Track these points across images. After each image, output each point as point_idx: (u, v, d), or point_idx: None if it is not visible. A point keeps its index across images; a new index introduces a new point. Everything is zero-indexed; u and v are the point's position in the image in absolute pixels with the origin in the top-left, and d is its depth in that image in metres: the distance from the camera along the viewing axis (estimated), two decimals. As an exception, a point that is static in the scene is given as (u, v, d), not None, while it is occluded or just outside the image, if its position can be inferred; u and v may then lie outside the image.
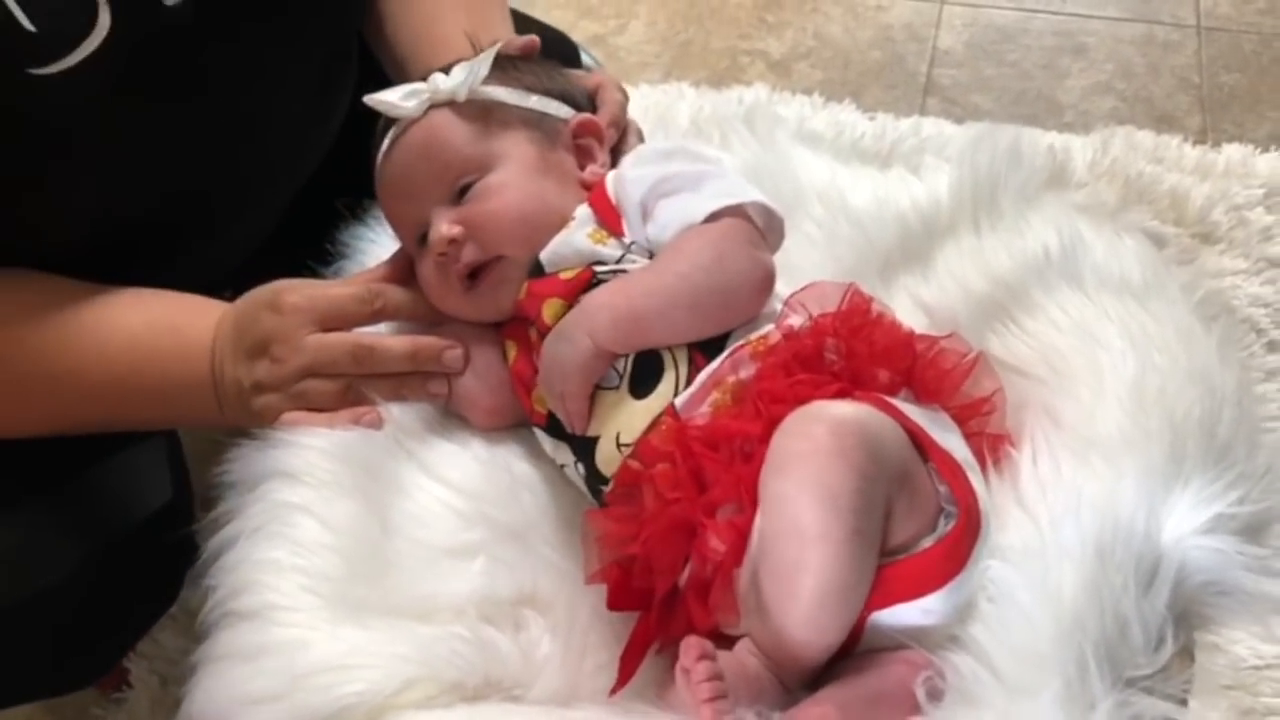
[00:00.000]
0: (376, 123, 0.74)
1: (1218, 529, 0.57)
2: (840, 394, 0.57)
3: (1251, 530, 0.58)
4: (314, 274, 0.85)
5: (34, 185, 0.68)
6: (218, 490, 0.74)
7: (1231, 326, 0.73)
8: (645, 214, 0.65)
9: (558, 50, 1.02)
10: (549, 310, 0.64)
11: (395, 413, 0.69)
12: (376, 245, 0.81)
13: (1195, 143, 1.62)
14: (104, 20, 0.65)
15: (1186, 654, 0.58)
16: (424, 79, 0.69)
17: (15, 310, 0.71)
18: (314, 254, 0.87)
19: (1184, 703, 0.56)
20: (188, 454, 0.94)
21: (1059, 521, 0.57)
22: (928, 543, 0.55)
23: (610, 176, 0.69)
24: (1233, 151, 1.59)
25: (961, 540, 0.55)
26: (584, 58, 1.06)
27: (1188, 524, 0.57)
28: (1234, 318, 1.37)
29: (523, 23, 0.96)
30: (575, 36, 1.88)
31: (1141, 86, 1.78)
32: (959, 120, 1.68)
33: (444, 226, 0.66)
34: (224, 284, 0.90)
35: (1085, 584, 0.54)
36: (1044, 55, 1.85)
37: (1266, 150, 1.59)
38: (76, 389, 0.72)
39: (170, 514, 0.83)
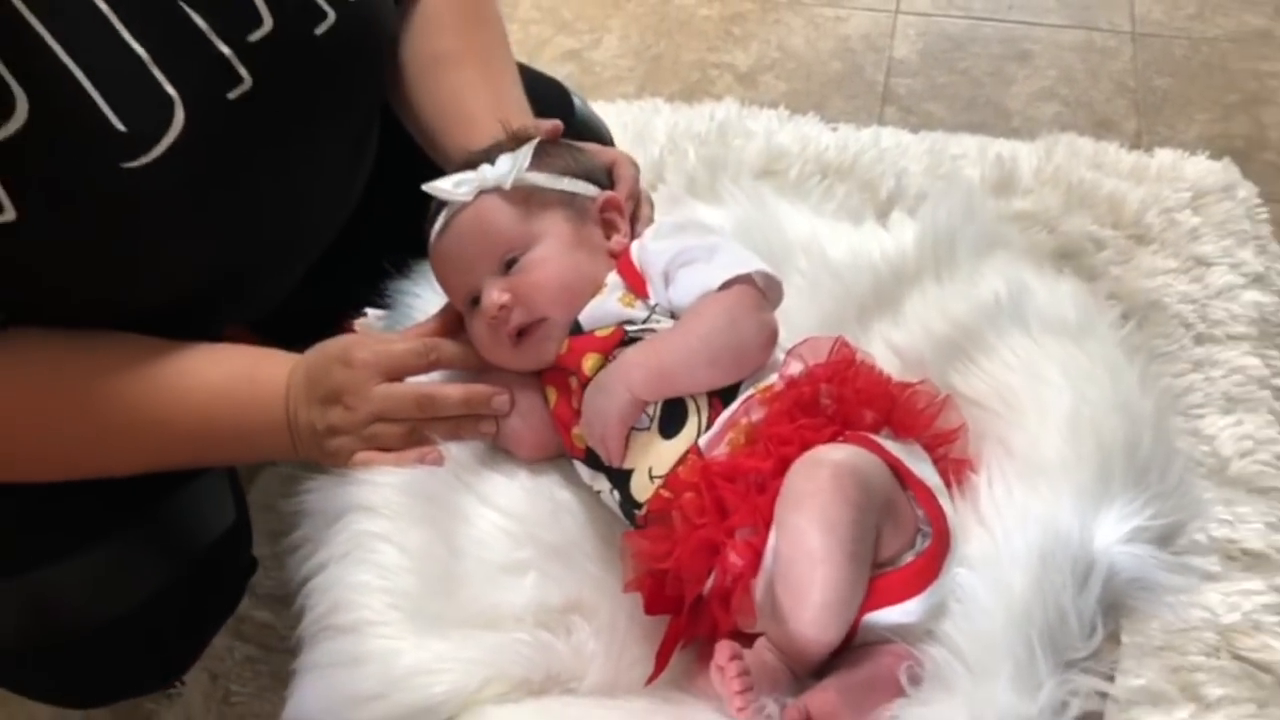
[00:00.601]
0: (406, 185, 0.85)
1: (1138, 538, 0.68)
2: (834, 435, 0.70)
3: (1164, 538, 0.70)
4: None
5: (124, 264, 0.78)
6: (293, 519, 0.85)
7: (1150, 361, 0.84)
8: (667, 281, 0.77)
9: (554, 97, 1.13)
10: (588, 363, 0.76)
11: (453, 450, 0.80)
12: (419, 299, 0.92)
13: (1131, 146, 1.75)
14: (179, 117, 0.74)
15: (1114, 639, 0.71)
16: (472, 166, 0.80)
17: (108, 366, 0.80)
18: (372, 299, 0.99)
19: (1111, 679, 0.69)
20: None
21: (1010, 534, 0.68)
22: (909, 558, 0.68)
23: (634, 246, 0.80)
24: (1164, 156, 1.73)
25: (936, 555, 0.68)
26: (575, 101, 1.16)
27: (1114, 534, 0.68)
28: (1163, 314, 1.51)
29: (522, 72, 1.04)
30: (551, 51, 2.00)
31: (1082, 91, 1.90)
32: (915, 129, 1.80)
33: (495, 294, 0.77)
34: (275, 323, 1.01)
35: (1032, 584, 0.66)
36: (992, 63, 1.96)
37: (1194, 153, 1.73)
38: (164, 435, 0.82)
39: (233, 535, 0.94)
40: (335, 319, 1.28)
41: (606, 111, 1.78)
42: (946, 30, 2.02)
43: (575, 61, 1.99)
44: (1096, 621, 0.67)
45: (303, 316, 1.03)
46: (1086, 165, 1.70)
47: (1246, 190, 1.66)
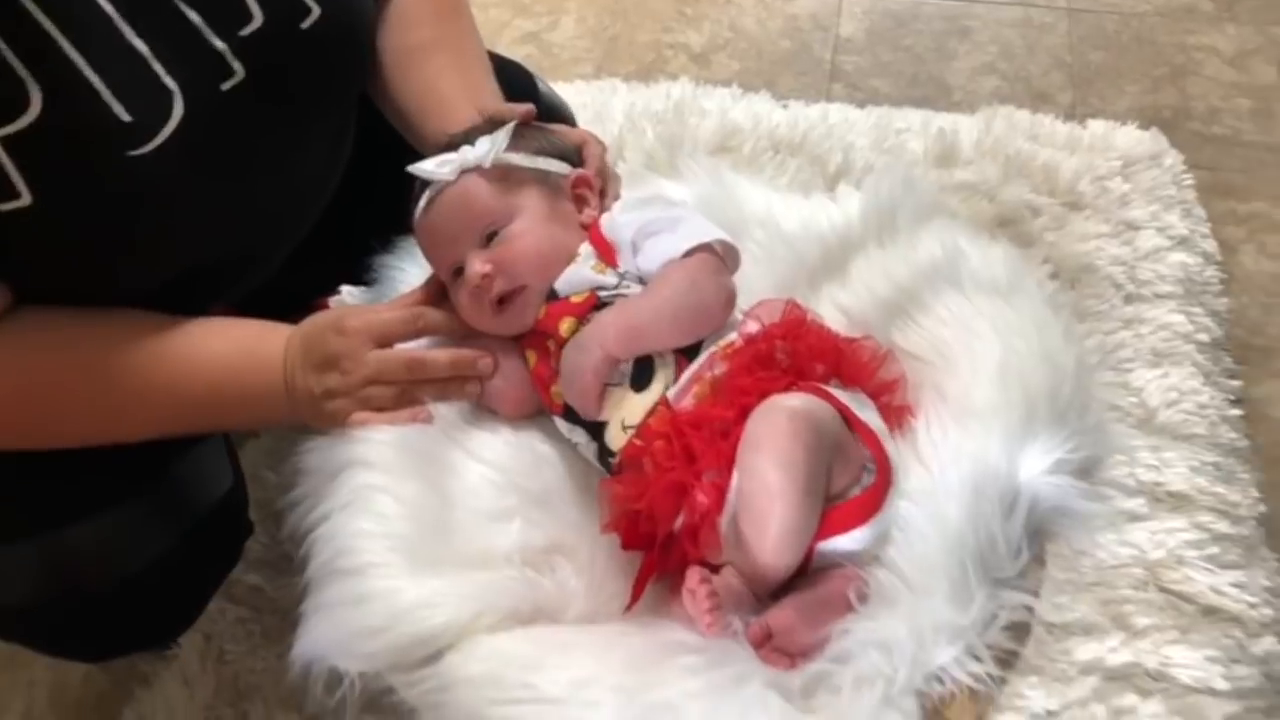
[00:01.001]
0: (386, 168, 0.91)
1: (1058, 470, 0.77)
2: (789, 386, 0.77)
3: (1082, 470, 0.78)
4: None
5: (129, 245, 0.83)
6: (293, 477, 0.92)
7: (1070, 319, 0.92)
8: (635, 250, 0.84)
9: (520, 81, 1.19)
10: (565, 326, 0.84)
11: (442, 410, 0.87)
12: (403, 272, 0.99)
13: (1066, 117, 1.83)
14: (178, 107, 0.80)
15: (1039, 561, 0.79)
16: (453, 148, 0.87)
17: (119, 340, 0.86)
18: (349, 275, 1.05)
19: (1036, 594, 0.78)
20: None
21: (946, 470, 0.76)
22: (855, 492, 0.75)
23: (604, 219, 0.88)
24: (1096, 127, 1.81)
25: (879, 490, 0.76)
26: (539, 85, 1.23)
27: (1037, 467, 0.76)
28: (1095, 276, 1.60)
29: (490, 58, 1.10)
30: (510, 34, 2.06)
31: (1020, 66, 1.98)
32: (861, 105, 1.87)
33: (478, 265, 0.84)
34: (259, 299, 1.07)
35: (965, 513, 0.74)
36: (934, 39, 2.03)
37: (1124, 124, 1.81)
38: (173, 403, 0.87)
39: (231, 498, 1.01)
40: (312, 298, 1.35)
41: (566, 92, 1.84)
42: (890, 8, 2.09)
43: (534, 43, 2.05)
44: (1022, 545, 0.76)
45: (281, 295, 1.09)
46: (1023, 137, 1.77)
47: (1173, 158, 1.75)
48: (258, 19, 0.83)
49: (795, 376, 0.79)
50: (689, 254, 0.83)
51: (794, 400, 0.75)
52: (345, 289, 1.46)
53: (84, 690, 1.30)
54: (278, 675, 1.26)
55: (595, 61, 2.01)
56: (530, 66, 1.71)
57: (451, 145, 0.87)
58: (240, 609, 1.30)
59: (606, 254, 0.85)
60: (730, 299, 0.83)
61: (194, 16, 0.80)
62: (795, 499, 0.71)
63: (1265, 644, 1.25)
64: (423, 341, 0.89)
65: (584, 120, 1.75)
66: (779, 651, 0.72)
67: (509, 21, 2.08)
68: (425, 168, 0.85)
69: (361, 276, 1.28)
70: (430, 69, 1.00)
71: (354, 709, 1.18)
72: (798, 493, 0.71)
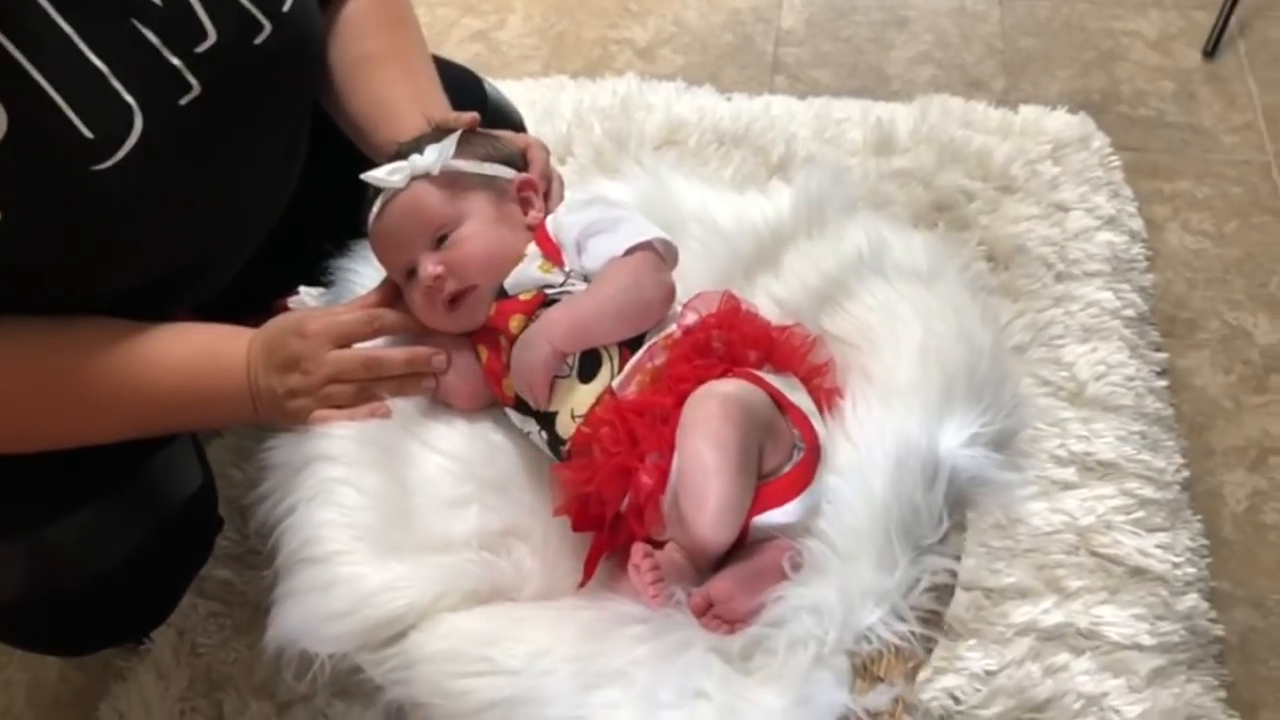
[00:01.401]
0: (338, 174, 0.95)
1: (975, 443, 0.81)
2: (724, 373, 0.83)
3: (997, 443, 0.83)
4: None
5: (94, 256, 0.86)
6: (260, 473, 0.96)
7: (989, 302, 0.97)
8: (579, 249, 0.89)
9: (469, 86, 1.24)
10: (514, 323, 0.89)
11: (400, 404, 0.92)
12: (359, 274, 1.03)
13: (1000, 103, 1.89)
14: (138, 122, 0.83)
15: (959, 527, 0.84)
16: (403, 156, 0.91)
17: (89, 347, 0.89)
18: (305, 278, 1.09)
19: (958, 558, 0.83)
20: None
21: (871, 446, 0.80)
22: (787, 469, 0.80)
23: (549, 220, 0.92)
24: (1028, 112, 1.87)
25: (808, 466, 0.81)
26: (488, 89, 1.27)
27: (955, 441, 0.81)
28: (1027, 257, 1.67)
29: (439, 63, 1.13)
30: (459, 33, 2.10)
31: (955, 54, 2.04)
32: (803, 96, 1.93)
33: (430, 267, 0.89)
34: (218, 303, 1.11)
35: (889, 486, 0.78)
36: (873, 30, 2.09)
37: (1055, 108, 1.88)
38: (142, 406, 0.91)
39: (201, 495, 1.05)
40: (270, 299, 1.40)
41: (514, 90, 1.88)
42: (830, 0, 2.15)
43: (482, 42, 2.08)
44: (943, 514, 0.80)
45: (241, 296, 1.14)
46: (958, 124, 1.84)
47: (1100, 141, 1.82)
48: (212, 36, 0.87)
49: (730, 363, 0.84)
50: (630, 252, 0.88)
51: (726, 385, 0.80)
52: (303, 289, 1.51)
53: (60, 687, 1.34)
54: (250, 665, 1.31)
55: (543, 59, 2.05)
56: (478, 65, 1.75)
57: (401, 154, 0.92)
58: (211, 603, 1.35)
59: (552, 254, 0.90)
60: (670, 294, 0.89)
61: (150, 35, 0.84)
62: (730, 477, 0.76)
63: (1188, 601, 1.32)
64: (379, 341, 0.94)
65: (533, 117, 1.80)
66: (719, 619, 0.77)
67: (457, 20, 2.11)
68: (377, 175, 0.90)
69: (317, 278, 1.32)
70: (379, 79, 1.04)
71: (325, 692, 1.23)
72: (732, 471, 0.76)
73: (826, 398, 0.88)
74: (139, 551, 0.97)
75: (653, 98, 1.88)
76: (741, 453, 0.77)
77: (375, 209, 0.91)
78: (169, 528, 1.01)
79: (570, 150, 1.80)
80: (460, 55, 2.03)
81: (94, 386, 0.90)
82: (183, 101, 0.87)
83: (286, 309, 1.48)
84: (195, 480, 1.04)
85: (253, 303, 1.33)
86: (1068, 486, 1.42)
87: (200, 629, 1.34)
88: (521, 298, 0.89)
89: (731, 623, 0.77)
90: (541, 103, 1.86)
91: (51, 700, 1.33)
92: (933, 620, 0.81)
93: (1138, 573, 1.34)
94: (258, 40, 0.90)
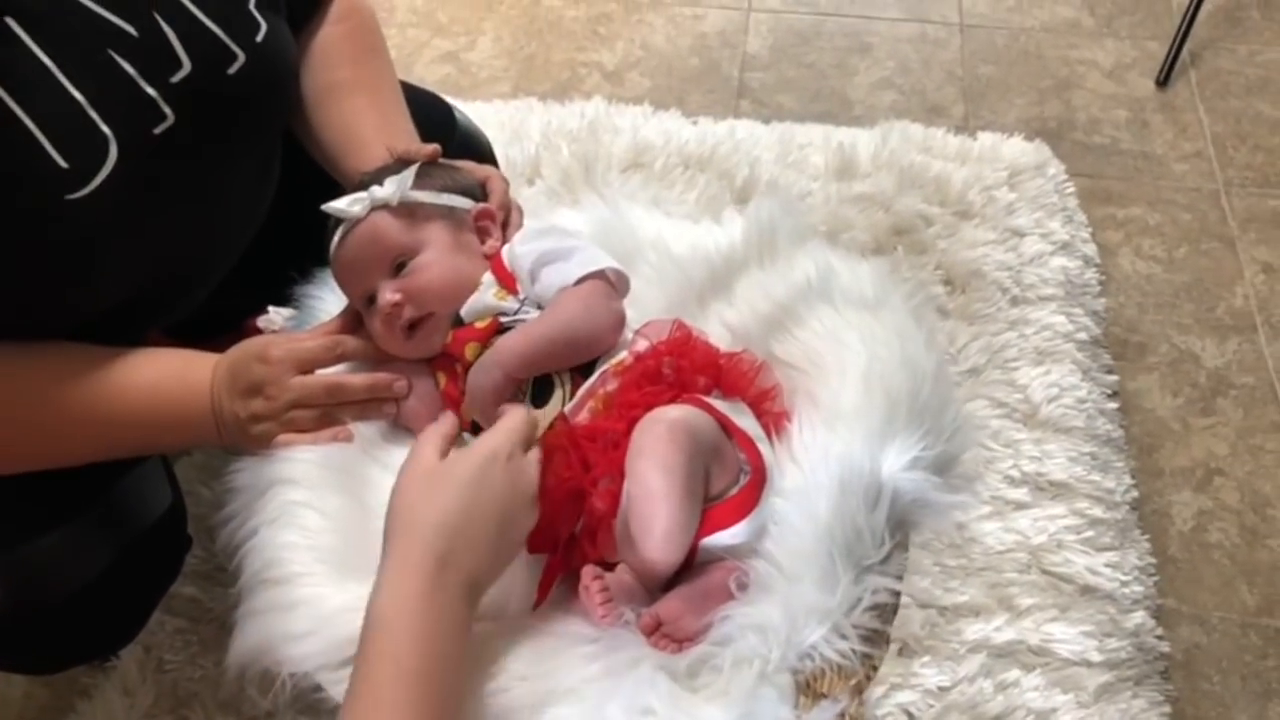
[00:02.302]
0: (305, 201, 0.98)
1: (916, 466, 0.84)
2: (673, 399, 0.86)
3: (938, 466, 0.86)
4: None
5: (69, 281, 0.88)
6: (224, 496, 0.98)
7: (934, 329, 1.00)
8: (533, 278, 0.92)
9: (439, 114, 1.26)
10: (470, 350, 0.91)
11: (362, 429, 0.94)
12: (321, 300, 1.05)
13: (958, 130, 1.94)
14: (113, 152, 0.85)
15: (901, 547, 0.87)
16: (363, 188, 0.94)
17: (59, 373, 0.91)
18: (273, 301, 1.11)
19: (900, 578, 0.86)
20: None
21: (816, 469, 0.83)
22: (733, 492, 0.83)
23: (505, 249, 0.95)
24: (985, 138, 1.91)
25: (754, 489, 0.83)
26: (457, 116, 1.30)
27: (898, 464, 0.83)
28: (983, 281, 1.71)
29: (407, 90, 1.16)
30: (429, 54, 2.12)
31: (917, 80, 2.08)
32: (767, 120, 1.96)
33: (388, 294, 0.92)
34: (188, 325, 1.13)
35: (833, 508, 0.81)
36: (836, 56, 2.13)
37: (1012, 135, 1.92)
38: (109, 428, 0.93)
39: (172, 514, 1.07)
40: (240, 320, 1.42)
41: (484, 111, 1.92)
42: (794, 26, 2.18)
43: (452, 63, 2.11)
44: (885, 535, 0.83)
45: (210, 318, 1.16)
46: (917, 149, 1.87)
47: (1056, 168, 1.87)
48: (186, 66, 0.90)
49: (680, 390, 0.87)
50: (581, 281, 0.91)
51: (674, 412, 0.83)
52: (272, 309, 1.53)
53: (25, 704, 1.35)
54: (216, 682, 1.32)
55: (512, 80, 2.07)
56: (448, 85, 1.78)
57: (363, 184, 0.94)
58: (178, 620, 1.36)
59: (507, 282, 0.93)
60: (620, 321, 0.92)
61: (127, 66, 0.86)
62: (676, 500, 0.78)
63: (1136, 618, 1.36)
64: (341, 366, 0.96)
65: (502, 139, 1.83)
66: (667, 638, 0.80)
67: (427, 41, 2.14)
68: (338, 206, 0.93)
69: (286, 299, 1.34)
70: (347, 108, 1.06)
71: (290, 710, 1.25)
72: (678, 494, 0.78)
73: (774, 422, 0.90)
74: (110, 571, 0.99)
75: (620, 121, 1.91)
76: (688, 477, 0.80)
77: (336, 238, 0.94)
78: (139, 547, 1.02)
79: (538, 171, 1.83)
80: (430, 76, 2.05)
81: (62, 410, 0.91)
82: (157, 130, 0.89)
83: (256, 329, 1.50)
84: (165, 500, 1.06)
85: (222, 322, 1.36)
86: (1020, 506, 1.45)
87: (167, 645, 1.35)
88: (477, 325, 0.92)
89: (679, 641, 0.80)
90: (510, 124, 1.89)
91: (17, 717, 1.33)
92: (874, 638, 0.83)
93: (1087, 591, 1.38)
94: (231, 70, 0.93)
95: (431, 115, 1.16)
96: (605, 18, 2.19)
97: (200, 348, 0.99)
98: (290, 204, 1.10)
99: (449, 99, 1.32)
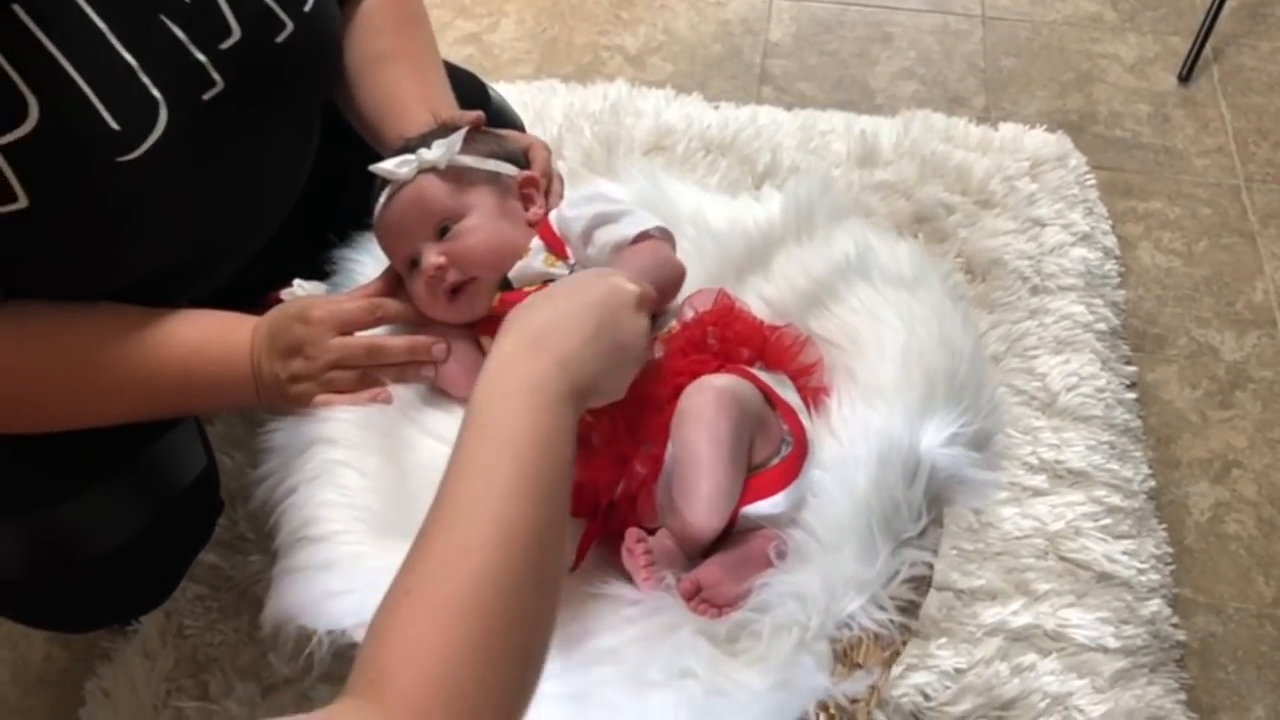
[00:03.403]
0: (342, 168, 0.98)
1: (954, 442, 0.85)
2: (718, 368, 0.86)
3: (975, 443, 0.86)
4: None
5: (115, 244, 0.88)
6: (260, 457, 0.99)
7: (969, 309, 1.00)
8: (587, 240, 0.92)
9: (473, 89, 1.27)
10: None
11: (401, 391, 0.94)
12: (359, 263, 1.06)
13: (979, 121, 1.94)
14: (163, 116, 0.86)
15: (937, 523, 0.88)
16: (411, 150, 0.94)
17: (100, 331, 0.91)
18: (308, 269, 1.12)
19: (935, 552, 0.87)
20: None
21: (855, 442, 0.84)
22: (775, 462, 0.83)
23: (552, 215, 0.95)
24: (1007, 129, 1.92)
25: (796, 460, 0.84)
26: (490, 93, 1.30)
27: (935, 440, 0.84)
28: (1004, 270, 1.71)
29: (445, 67, 1.16)
30: (451, 34, 2.12)
31: (938, 71, 2.08)
32: (789, 107, 1.97)
33: (432, 257, 0.92)
34: (227, 290, 1.13)
35: (872, 481, 0.81)
36: (858, 45, 2.13)
37: (1033, 127, 1.93)
38: (149, 389, 0.93)
39: (205, 478, 1.07)
40: (264, 292, 1.42)
41: (508, 92, 1.90)
42: (817, 14, 2.18)
43: (475, 44, 2.11)
44: (922, 509, 0.84)
45: (235, 290, 1.16)
46: (939, 138, 1.88)
47: (1077, 160, 1.87)
48: (236, 33, 0.90)
49: (724, 360, 0.88)
50: (640, 238, 0.91)
51: (720, 380, 0.83)
52: (297, 281, 1.53)
53: (45, 666, 1.35)
54: (236, 648, 1.33)
55: (534, 63, 2.07)
56: (471, 66, 1.77)
57: (408, 148, 0.94)
58: (199, 586, 1.37)
59: (557, 247, 0.93)
60: (684, 273, 0.93)
61: (178, 31, 0.86)
62: (721, 467, 0.79)
63: (1152, 606, 1.37)
64: (380, 330, 0.96)
65: (525, 120, 1.82)
66: (707, 603, 0.80)
67: (450, 22, 2.14)
68: (385, 167, 0.93)
69: (310, 270, 1.34)
70: (389, 76, 1.06)
71: (311, 676, 1.25)
72: (724, 461, 0.79)
73: (813, 396, 0.91)
74: (144, 532, 0.99)
75: (642, 104, 1.91)
76: (733, 444, 0.80)
77: (382, 200, 0.94)
78: (173, 509, 1.03)
79: (560, 153, 1.83)
80: (453, 57, 2.03)
81: (102, 369, 0.91)
82: (206, 97, 0.89)
83: (280, 301, 1.50)
84: (199, 463, 1.06)
85: (246, 294, 1.36)
86: (1038, 493, 1.46)
87: (187, 611, 1.35)
88: (526, 290, 0.92)
89: (719, 607, 0.80)
90: (533, 105, 1.89)
91: (36, 679, 1.34)
92: (910, 610, 0.84)
93: (1104, 578, 1.38)
94: (279, 38, 0.93)
95: (466, 91, 1.16)
96: (628, 2, 2.19)
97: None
98: (317, 176, 1.11)
99: (474, 80, 1.32)
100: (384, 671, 0.59)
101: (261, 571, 1.35)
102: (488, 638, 0.61)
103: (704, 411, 0.80)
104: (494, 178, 0.96)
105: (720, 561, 0.82)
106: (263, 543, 1.36)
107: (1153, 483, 1.49)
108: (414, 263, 0.94)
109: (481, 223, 0.93)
